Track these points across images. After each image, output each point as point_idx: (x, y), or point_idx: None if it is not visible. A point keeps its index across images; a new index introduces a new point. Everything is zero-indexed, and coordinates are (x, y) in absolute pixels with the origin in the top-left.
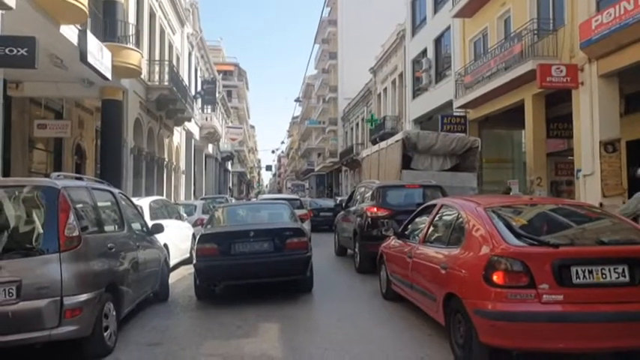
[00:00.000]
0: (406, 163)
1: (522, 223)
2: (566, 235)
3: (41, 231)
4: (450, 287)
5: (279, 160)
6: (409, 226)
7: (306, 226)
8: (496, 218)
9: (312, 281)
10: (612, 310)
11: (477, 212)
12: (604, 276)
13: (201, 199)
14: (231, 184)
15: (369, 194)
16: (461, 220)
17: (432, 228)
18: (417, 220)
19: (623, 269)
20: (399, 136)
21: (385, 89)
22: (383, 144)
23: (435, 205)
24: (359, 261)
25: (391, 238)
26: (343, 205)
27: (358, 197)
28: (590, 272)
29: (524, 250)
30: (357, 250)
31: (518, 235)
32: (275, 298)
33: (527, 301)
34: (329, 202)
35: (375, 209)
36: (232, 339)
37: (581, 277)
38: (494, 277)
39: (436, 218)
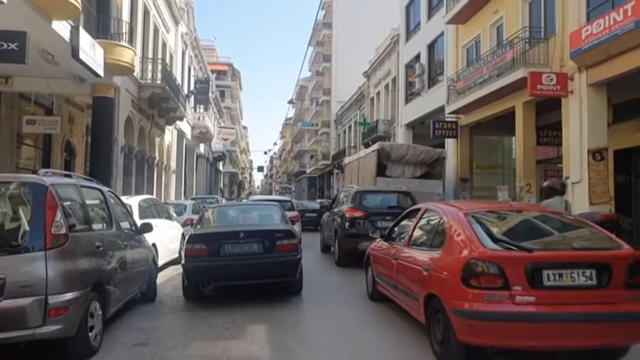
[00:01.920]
0: (382, 170)
1: (500, 228)
2: (540, 241)
3: (27, 228)
4: (431, 288)
5: (271, 162)
6: (395, 229)
7: (297, 228)
8: (475, 223)
9: (302, 283)
10: (581, 310)
11: (457, 217)
12: (573, 279)
13: (192, 199)
14: (222, 185)
15: (348, 197)
16: (443, 224)
17: (416, 231)
18: (403, 223)
19: (591, 273)
20: (374, 147)
21: (378, 93)
22: (362, 153)
23: (419, 210)
24: (338, 255)
25: (378, 240)
26: (328, 206)
27: (343, 199)
28: (561, 275)
29: (499, 254)
30: (336, 246)
31: (495, 240)
32: (264, 299)
33: (501, 301)
34: (314, 204)
35: (352, 211)
36: (220, 340)
37: (552, 279)
38: (472, 279)
39: (420, 222)
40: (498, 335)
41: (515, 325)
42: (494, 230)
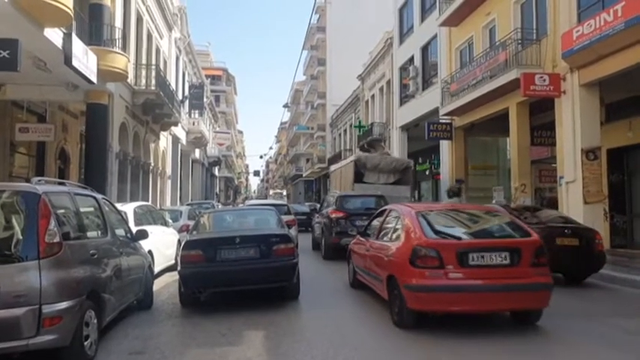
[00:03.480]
0: (360, 177)
1: (440, 222)
2: (468, 231)
3: (20, 237)
4: (390, 270)
5: (267, 166)
6: (369, 227)
7: (293, 232)
8: (421, 218)
9: (299, 288)
10: (498, 283)
11: (410, 215)
12: (492, 259)
13: (187, 204)
14: (218, 190)
15: (333, 201)
16: (400, 221)
17: (382, 227)
18: (374, 221)
19: (505, 255)
20: (352, 158)
21: (373, 96)
22: (343, 162)
23: (386, 210)
24: (324, 250)
25: (357, 236)
26: (317, 210)
27: (329, 203)
28: (482, 257)
29: (437, 242)
30: (323, 242)
31: (435, 231)
32: (261, 304)
33: (438, 277)
34: (304, 207)
35: (336, 212)
36: (217, 347)
37: (476, 260)
38: (417, 261)
39: (385, 220)
40: (437, 303)
41: (448, 295)
42: (436, 224)
